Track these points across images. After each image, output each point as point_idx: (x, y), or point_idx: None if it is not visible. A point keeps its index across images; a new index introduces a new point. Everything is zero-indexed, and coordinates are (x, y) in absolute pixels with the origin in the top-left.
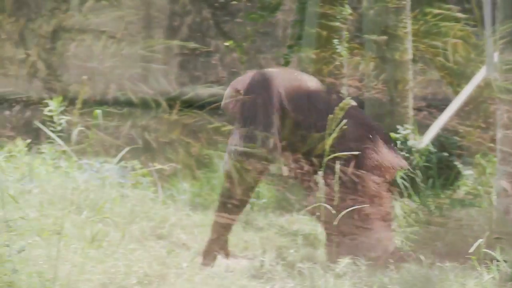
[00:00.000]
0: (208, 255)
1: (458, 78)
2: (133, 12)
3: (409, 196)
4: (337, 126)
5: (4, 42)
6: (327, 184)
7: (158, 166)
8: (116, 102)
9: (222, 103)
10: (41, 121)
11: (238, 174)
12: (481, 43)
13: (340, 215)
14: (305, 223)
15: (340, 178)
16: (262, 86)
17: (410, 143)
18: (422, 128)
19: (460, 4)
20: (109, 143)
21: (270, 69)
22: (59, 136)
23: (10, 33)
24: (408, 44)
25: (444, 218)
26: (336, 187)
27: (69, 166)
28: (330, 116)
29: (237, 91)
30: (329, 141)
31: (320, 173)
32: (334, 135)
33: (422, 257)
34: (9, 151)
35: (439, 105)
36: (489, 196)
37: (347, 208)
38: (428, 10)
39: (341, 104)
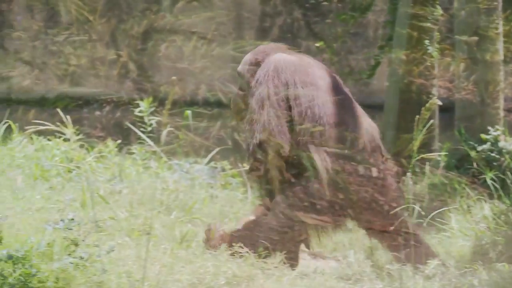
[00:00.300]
0: (290, 255)
1: None
2: (224, 13)
3: (499, 198)
4: (424, 126)
5: (95, 43)
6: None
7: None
8: (206, 103)
9: (240, 67)
10: (131, 121)
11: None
12: None
13: (430, 216)
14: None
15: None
16: (275, 76)
17: (500, 144)
18: None
19: None
20: (199, 143)
21: (287, 57)
22: (149, 137)
23: (101, 34)
24: (499, 45)
25: None
26: (426, 189)
27: (159, 167)
28: (417, 116)
29: (257, 61)
30: (417, 142)
31: (409, 174)
32: (421, 136)
33: None
34: (99, 151)
35: None
36: None
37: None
38: None
39: (427, 105)
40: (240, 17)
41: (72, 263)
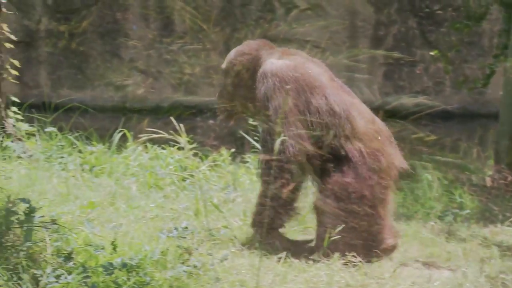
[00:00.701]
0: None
1: None
2: (338, 22)
3: None
4: None
5: (209, 51)
6: None
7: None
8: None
9: (224, 65)
10: (245, 130)
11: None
12: None
13: None
14: (510, 234)
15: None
16: (282, 87)
17: None
18: None
19: None
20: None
21: (286, 63)
22: None
23: (215, 42)
24: None
25: None
26: None
27: None
28: None
29: (241, 63)
30: None
31: None
32: None
33: None
34: (213, 160)
35: None
36: None
37: None
38: None
39: None
40: (354, 25)
41: (185, 272)
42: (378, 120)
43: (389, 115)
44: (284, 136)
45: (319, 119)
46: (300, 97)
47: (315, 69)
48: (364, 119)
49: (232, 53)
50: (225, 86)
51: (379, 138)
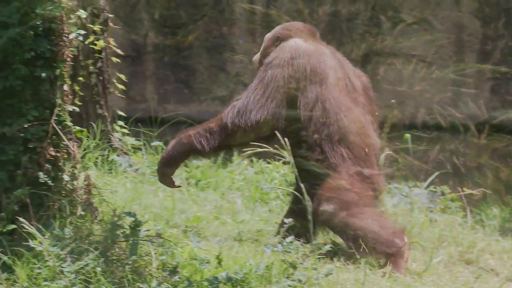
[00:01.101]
0: None
1: None
2: (445, 36)
3: None
4: None
5: None
6: None
7: (467, 191)
8: (425, 126)
9: (267, 34)
10: None
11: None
12: None
13: None
14: None
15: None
16: (289, 64)
17: None
18: None
19: None
20: (418, 167)
21: (304, 45)
22: None
23: None
24: None
25: None
26: None
27: None
28: None
29: (277, 36)
30: None
31: None
32: None
33: None
34: None
35: None
36: None
37: None
38: None
39: None
40: (460, 40)
41: (290, 286)
42: (374, 136)
43: (496, 129)
44: (248, 101)
45: (306, 108)
46: (297, 80)
47: (330, 64)
48: (356, 128)
49: (281, 25)
50: (261, 52)
51: (366, 150)
